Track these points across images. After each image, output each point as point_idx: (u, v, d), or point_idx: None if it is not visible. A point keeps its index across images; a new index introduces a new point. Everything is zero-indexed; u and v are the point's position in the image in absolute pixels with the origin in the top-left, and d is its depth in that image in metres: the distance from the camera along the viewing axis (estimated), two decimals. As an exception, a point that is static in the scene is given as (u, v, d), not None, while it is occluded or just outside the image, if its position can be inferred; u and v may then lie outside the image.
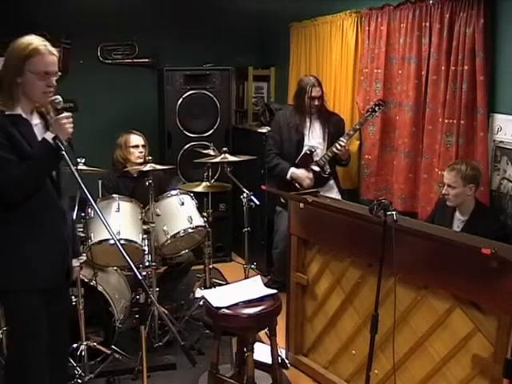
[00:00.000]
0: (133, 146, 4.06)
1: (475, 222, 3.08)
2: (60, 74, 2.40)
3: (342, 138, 3.96)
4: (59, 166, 2.42)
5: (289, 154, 4.17)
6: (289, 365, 3.45)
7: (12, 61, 2.29)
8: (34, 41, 2.31)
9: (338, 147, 3.95)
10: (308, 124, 4.13)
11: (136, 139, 4.10)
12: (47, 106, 2.45)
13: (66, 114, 2.35)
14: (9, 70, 2.30)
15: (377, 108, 3.87)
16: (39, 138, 2.35)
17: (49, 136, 2.31)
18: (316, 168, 4.08)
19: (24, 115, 2.34)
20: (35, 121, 2.41)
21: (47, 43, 2.35)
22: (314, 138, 4.15)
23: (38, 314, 2.39)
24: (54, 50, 2.35)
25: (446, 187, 3.14)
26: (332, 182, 4.21)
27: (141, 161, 4.01)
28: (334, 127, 4.14)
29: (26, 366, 2.41)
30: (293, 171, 4.10)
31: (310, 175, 4.07)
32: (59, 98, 2.37)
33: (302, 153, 4.14)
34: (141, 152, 4.06)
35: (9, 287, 2.35)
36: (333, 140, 4.04)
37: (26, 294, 2.35)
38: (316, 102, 4.06)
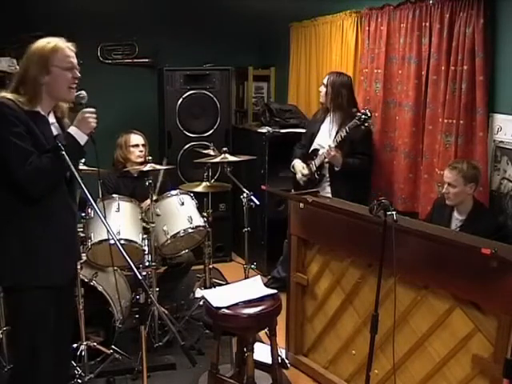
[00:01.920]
0: (133, 146, 4.08)
1: (473, 222, 3.09)
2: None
3: (329, 143, 3.84)
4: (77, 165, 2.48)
5: (305, 145, 4.22)
6: (289, 365, 3.45)
7: (35, 62, 2.34)
8: (52, 39, 2.40)
9: (324, 151, 3.88)
10: (327, 121, 4.06)
11: (136, 138, 4.11)
12: (63, 110, 2.50)
13: (90, 109, 2.41)
14: (32, 70, 2.33)
15: (363, 117, 3.61)
16: None
17: (72, 131, 2.36)
18: (312, 167, 4.08)
19: (43, 113, 2.39)
20: (51, 119, 2.45)
21: (67, 42, 2.43)
22: (325, 136, 4.04)
23: (48, 313, 2.40)
24: (72, 47, 2.44)
25: (446, 186, 3.14)
26: (327, 185, 4.02)
27: (141, 160, 4.01)
28: (351, 133, 3.80)
29: (35, 366, 2.40)
30: (294, 162, 4.17)
31: (305, 172, 4.08)
32: (84, 93, 2.44)
33: (312, 148, 4.14)
34: (141, 151, 4.06)
35: (21, 285, 2.35)
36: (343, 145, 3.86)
37: (37, 293, 2.35)
38: (320, 99, 4.09)
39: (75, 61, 2.41)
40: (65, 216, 2.45)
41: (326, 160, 3.90)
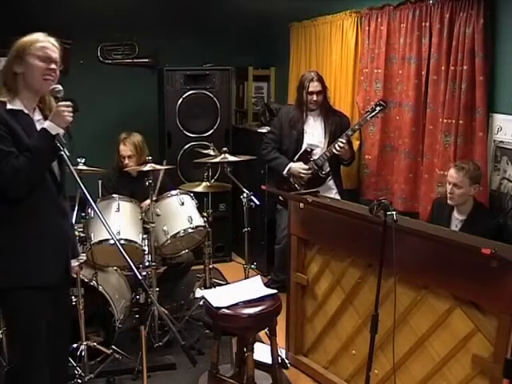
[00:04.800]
0: (122, 157, 4.04)
1: (473, 222, 3.09)
2: (61, 68, 2.41)
3: (340, 139, 3.88)
4: (63, 164, 2.43)
5: (288, 151, 4.18)
6: (289, 365, 3.45)
7: (13, 53, 2.32)
8: (34, 34, 2.36)
9: (337, 148, 3.89)
10: (308, 121, 4.12)
11: (124, 150, 4.02)
12: (50, 104, 2.44)
13: (65, 102, 2.35)
14: (9, 61, 2.32)
15: (377, 108, 3.79)
16: None
17: (47, 125, 2.30)
18: (314, 167, 4.08)
19: (26, 111, 2.35)
20: (37, 117, 2.41)
21: (50, 37, 2.37)
22: (315, 136, 4.12)
23: (39, 313, 2.39)
24: (55, 42, 2.38)
25: (451, 186, 3.13)
26: (331, 182, 4.17)
27: (133, 167, 3.95)
28: (336, 125, 4.07)
29: (29, 366, 2.40)
30: (291, 165, 4.12)
31: (305, 166, 4.08)
32: (59, 86, 2.37)
33: (302, 150, 4.13)
34: (129, 162, 4.00)
35: (10, 285, 2.34)
36: (334, 138, 3.98)
37: (27, 293, 2.34)
38: (314, 98, 4.02)
39: (54, 54, 2.35)
40: (53, 215, 2.41)
41: (337, 152, 3.92)
